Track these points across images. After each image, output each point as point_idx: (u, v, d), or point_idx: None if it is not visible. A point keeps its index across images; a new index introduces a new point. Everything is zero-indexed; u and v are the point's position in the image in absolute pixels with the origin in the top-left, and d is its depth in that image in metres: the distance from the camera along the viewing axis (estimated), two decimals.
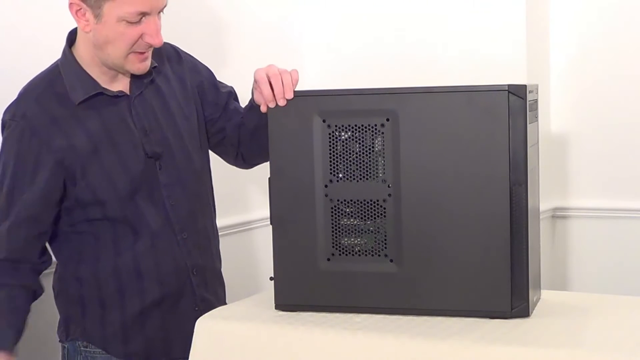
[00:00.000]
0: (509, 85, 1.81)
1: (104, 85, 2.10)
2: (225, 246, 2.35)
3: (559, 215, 3.66)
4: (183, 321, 2.05)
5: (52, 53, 2.18)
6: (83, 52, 2.09)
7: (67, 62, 2.10)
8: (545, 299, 1.99)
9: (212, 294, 2.24)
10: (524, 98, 1.81)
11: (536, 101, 1.93)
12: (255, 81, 2.05)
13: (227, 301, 2.29)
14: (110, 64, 2.07)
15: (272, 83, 1.97)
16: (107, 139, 2.08)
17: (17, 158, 2.04)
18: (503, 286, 1.83)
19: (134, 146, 2.10)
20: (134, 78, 2.14)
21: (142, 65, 2.08)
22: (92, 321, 2.13)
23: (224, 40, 3.27)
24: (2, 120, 2.09)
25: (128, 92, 2.13)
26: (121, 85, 2.13)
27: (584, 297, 2.10)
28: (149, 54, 2.09)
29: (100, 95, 2.09)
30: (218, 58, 3.08)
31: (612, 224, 3.57)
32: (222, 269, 2.33)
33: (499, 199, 1.82)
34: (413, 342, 1.76)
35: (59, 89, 2.08)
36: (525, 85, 1.82)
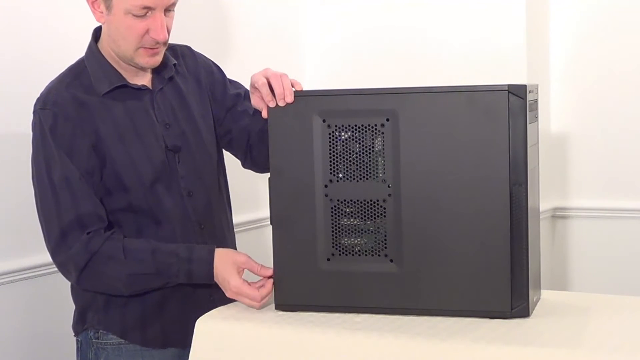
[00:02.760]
0: (509, 85, 1.81)
1: (127, 79, 2.15)
2: (237, 243, 2.36)
3: (559, 215, 3.66)
4: (198, 310, 2.07)
5: (75, 52, 2.21)
6: (106, 48, 2.14)
7: (92, 56, 2.15)
8: (545, 299, 1.99)
9: None
10: (524, 98, 1.81)
11: (536, 101, 1.93)
12: (253, 85, 2.06)
13: None
14: (122, 56, 2.11)
15: (272, 84, 1.98)
16: (131, 128, 2.12)
17: (55, 142, 2.06)
18: (503, 286, 1.83)
19: (155, 138, 2.14)
20: (156, 74, 2.18)
21: (151, 60, 2.11)
22: (114, 310, 2.15)
23: (225, 39, 3.27)
24: (34, 111, 2.11)
25: (150, 87, 2.17)
26: (143, 80, 2.17)
27: (584, 297, 2.10)
28: (160, 49, 2.12)
29: (124, 87, 2.14)
30: (218, 58, 3.08)
31: (612, 224, 3.57)
32: None
33: (499, 199, 1.82)
34: (413, 342, 1.76)
35: (85, 81, 2.13)
36: (525, 85, 1.82)
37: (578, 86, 3.58)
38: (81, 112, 2.08)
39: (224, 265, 2.07)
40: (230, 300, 2.15)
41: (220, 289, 2.18)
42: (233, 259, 2.08)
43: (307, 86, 2.08)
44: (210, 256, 2.08)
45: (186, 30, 2.94)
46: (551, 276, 3.59)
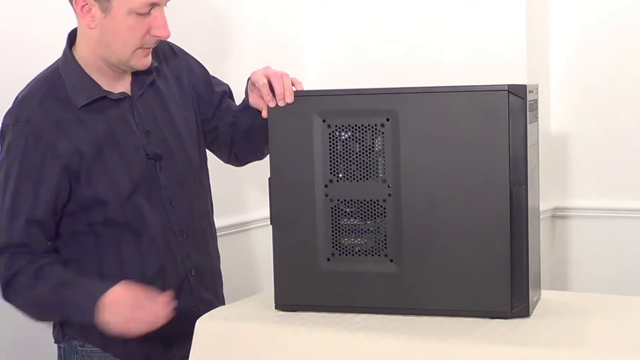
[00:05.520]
0: (509, 85, 1.81)
1: (105, 87, 2.08)
2: (223, 247, 2.35)
3: (559, 215, 3.66)
4: (181, 321, 2.05)
5: (51, 54, 2.17)
6: (84, 53, 2.07)
7: (68, 64, 2.07)
8: (545, 299, 1.99)
9: (212, 293, 2.24)
10: (524, 98, 1.81)
11: (536, 101, 1.93)
12: (253, 83, 2.05)
13: (225, 299, 2.30)
14: (115, 61, 2.04)
15: (273, 83, 1.97)
16: (110, 140, 2.07)
17: (21, 165, 2.01)
18: (503, 286, 1.83)
19: (135, 147, 2.09)
20: (135, 79, 2.12)
21: (145, 61, 2.07)
22: (92, 326, 2.09)
23: (224, 40, 3.27)
24: (4, 124, 2.06)
25: (130, 93, 2.12)
26: (122, 86, 2.11)
27: (584, 297, 2.10)
28: (151, 50, 2.07)
29: (103, 99, 2.07)
30: (218, 58, 3.08)
31: (612, 224, 3.56)
32: (221, 270, 2.34)
33: (499, 199, 1.82)
34: (413, 342, 1.76)
35: (61, 93, 2.05)
36: (525, 85, 1.82)
37: (578, 86, 3.58)
38: (55, 132, 2.02)
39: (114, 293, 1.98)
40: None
41: (204, 300, 2.18)
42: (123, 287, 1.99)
43: (307, 86, 2.08)
44: (93, 299, 1.97)
45: (185, 30, 2.93)
46: (551, 276, 3.59)
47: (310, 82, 3.45)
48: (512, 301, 1.83)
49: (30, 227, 2.03)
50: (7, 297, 2.07)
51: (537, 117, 1.93)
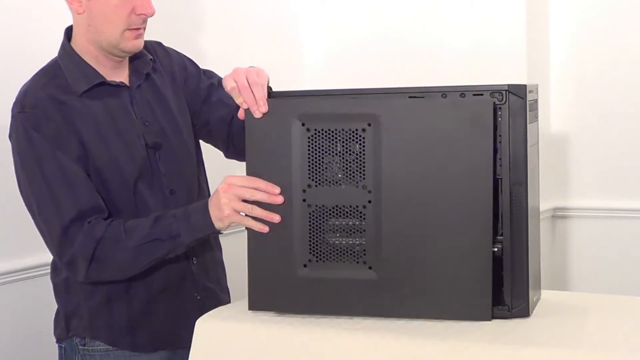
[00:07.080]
0: (508, 85, 1.80)
1: (105, 76, 2.11)
2: (223, 246, 2.35)
3: (559, 215, 3.66)
4: (186, 310, 2.05)
5: (48, 53, 2.18)
6: (80, 43, 2.10)
7: (67, 55, 2.11)
8: (545, 299, 1.99)
9: (214, 282, 2.25)
10: (524, 98, 1.80)
11: (536, 101, 1.92)
12: (227, 91, 2.02)
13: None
14: (105, 44, 2.07)
15: (242, 95, 1.92)
16: (113, 127, 2.09)
17: (44, 142, 2.01)
18: (484, 291, 1.80)
19: (137, 135, 2.11)
20: (133, 70, 2.15)
21: (136, 42, 2.09)
22: (101, 318, 2.12)
23: (224, 39, 3.27)
24: (12, 115, 2.07)
25: (128, 84, 2.14)
26: (120, 77, 2.14)
27: (584, 297, 2.10)
28: (142, 32, 2.09)
29: (102, 85, 2.10)
30: (217, 58, 3.08)
31: (612, 224, 3.57)
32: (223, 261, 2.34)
33: (486, 204, 1.78)
34: (413, 342, 1.76)
35: (61, 81, 2.08)
36: (525, 85, 1.81)
37: (578, 86, 3.58)
38: (62, 111, 2.04)
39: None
40: (220, 302, 2.15)
41: (207, 288, 2.19)
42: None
43: (307, 86, 2.06)
44: (204, 204, 2.01)
45: (186, 29, 2.94)
46: (551, 276, 3.59)
47: (310, 82, 3.45)
48: (512, 301, 1.82)
49: (87, 189, 2.02)
50: (101, 257, 2.01)
51: (537, 117, 1.92)
